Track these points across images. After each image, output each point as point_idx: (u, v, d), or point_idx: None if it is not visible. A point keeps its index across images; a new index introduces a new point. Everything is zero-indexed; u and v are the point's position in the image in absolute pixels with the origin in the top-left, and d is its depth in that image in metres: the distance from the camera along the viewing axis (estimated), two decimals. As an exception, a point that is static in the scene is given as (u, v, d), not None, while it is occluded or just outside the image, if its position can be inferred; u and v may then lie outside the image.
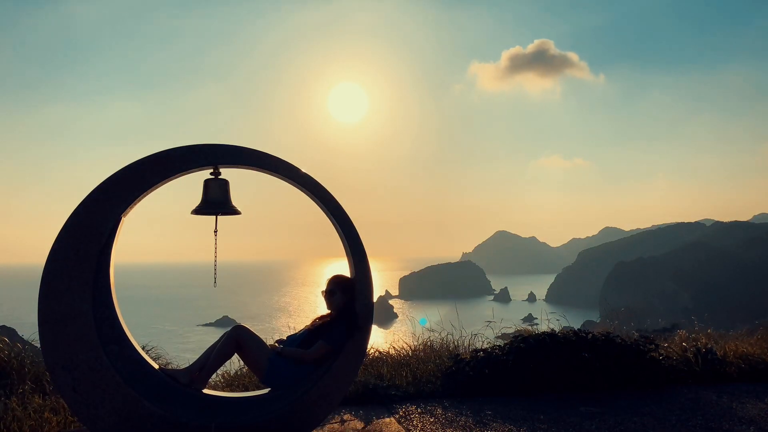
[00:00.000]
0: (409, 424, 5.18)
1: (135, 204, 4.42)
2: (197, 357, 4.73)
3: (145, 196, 4.43)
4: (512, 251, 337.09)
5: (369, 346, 5.94)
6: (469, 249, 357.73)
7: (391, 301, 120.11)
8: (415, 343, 7.42)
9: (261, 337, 4.77)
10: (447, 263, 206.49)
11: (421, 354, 7.11)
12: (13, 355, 6.15)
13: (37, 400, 5.27)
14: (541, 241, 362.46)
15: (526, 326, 8.27)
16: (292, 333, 5.06)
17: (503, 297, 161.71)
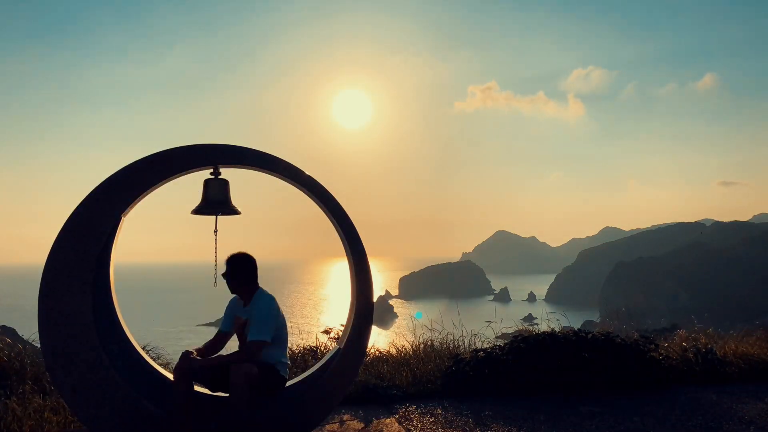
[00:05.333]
0: (409, 425, 5.17)
1: (135, 204, 4.42)
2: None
3: (145, 196, 4.43)
4: (512, 251, 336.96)
5: (369, 346, 5.94)
6: (469, 249, 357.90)
7: (391, 301, 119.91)
8: (416, 343, 7.42)
9: None
10: (447, 263, 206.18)
11: (421, 354, 7.10)
12: (13, 355, 6.15)
13: (37, 400, 5.27)
14: (541, 241, 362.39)
15: (526, 326, 8.25)
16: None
17: (503, 297, 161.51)
